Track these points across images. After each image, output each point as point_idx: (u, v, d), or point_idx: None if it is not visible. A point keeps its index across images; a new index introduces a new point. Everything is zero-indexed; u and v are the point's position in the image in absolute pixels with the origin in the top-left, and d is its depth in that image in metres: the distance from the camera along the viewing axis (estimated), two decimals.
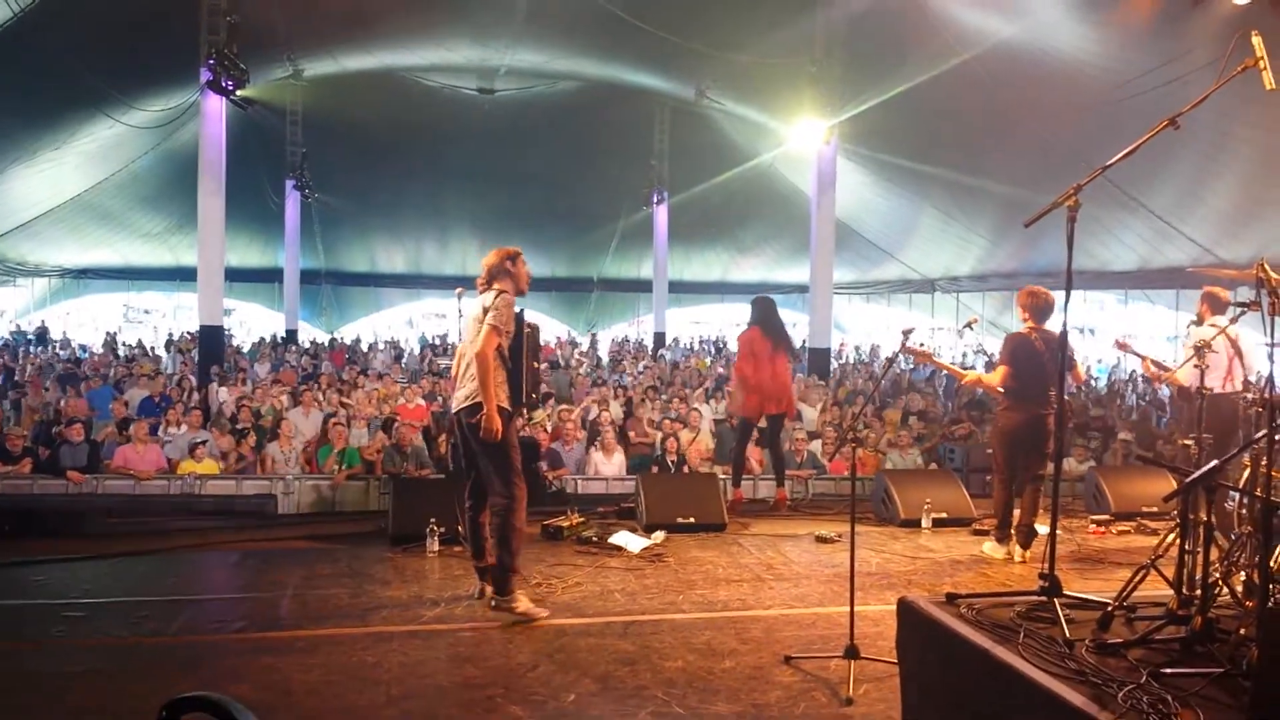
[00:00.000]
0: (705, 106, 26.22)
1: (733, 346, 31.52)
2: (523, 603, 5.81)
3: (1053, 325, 7.56)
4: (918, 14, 16.42)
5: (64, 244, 30.85)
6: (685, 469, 11.30)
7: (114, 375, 18.68)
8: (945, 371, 9.20)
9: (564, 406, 13.86)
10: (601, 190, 30.97)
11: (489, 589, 6.01)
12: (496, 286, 5.99)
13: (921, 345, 6.85)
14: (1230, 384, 7.70)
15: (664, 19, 18.82)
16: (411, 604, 6.01)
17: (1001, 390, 7.62)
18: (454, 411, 6.13)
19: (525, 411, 6.36)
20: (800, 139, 20.74)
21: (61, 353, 25.16)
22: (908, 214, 27.67)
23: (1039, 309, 7.63)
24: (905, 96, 18.24)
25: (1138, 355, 8.43)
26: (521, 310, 6.10)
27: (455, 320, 6.62)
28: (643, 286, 35.06)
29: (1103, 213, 18.52)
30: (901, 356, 7.17)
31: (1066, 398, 7.76)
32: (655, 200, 30.59)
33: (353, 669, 4.93)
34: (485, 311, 5.88)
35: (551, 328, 37.55)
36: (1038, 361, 7.39)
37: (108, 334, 30.44)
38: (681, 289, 36.35)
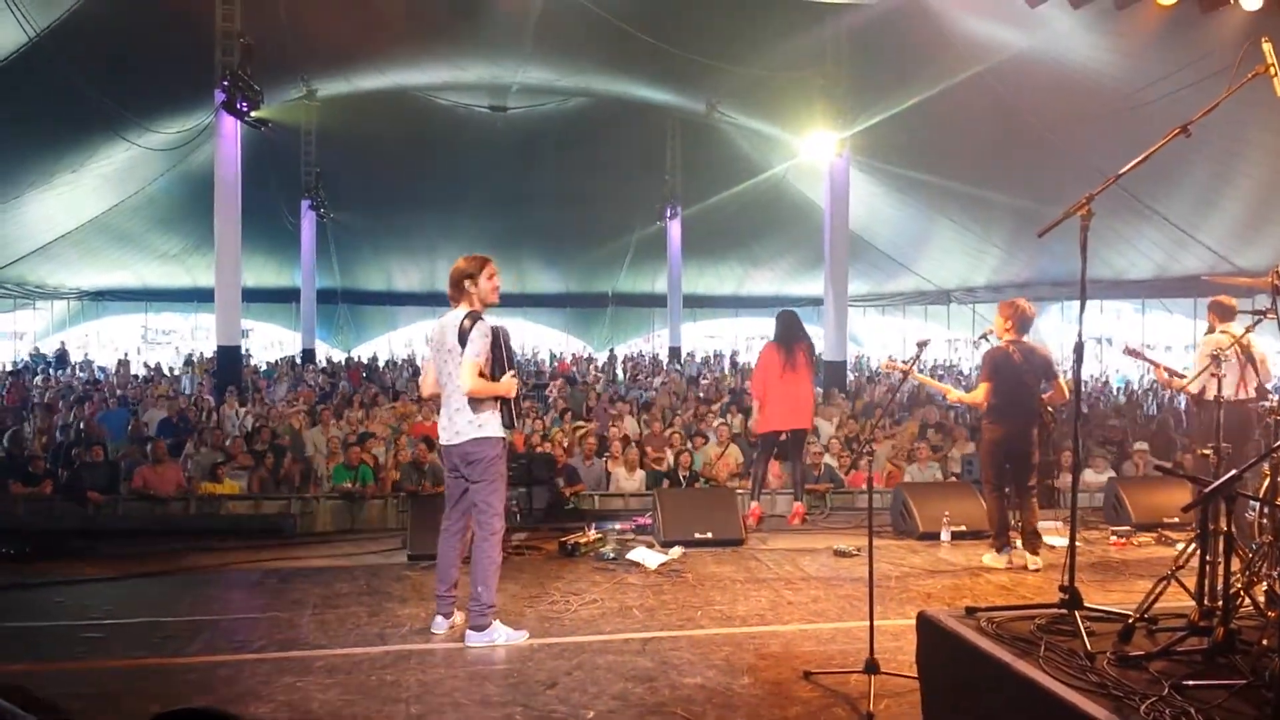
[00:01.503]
0: (716, 120, 26.30)
1: (744, 359, 31.66)
2: (502, 633, 5.66)
3: (1052, 335, 7.69)
4: (929, 27, 16.44)
5: (81, 267, 31.11)
6: (696, 484, 11.30)
7: (131, 396, 18.80)
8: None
9: (580, 424, 13.87)
10: (614, 205, 31.06)
11: (445, 621, 5.85)
12: (463, 305, 5.75)
13: (905, 362, 6.99)
14: (1244, 391, 7.66)
15: (673, 34, 18.89)
16: (430, 622, 6.01)
17: (985, 406, 7.70)
18: (444, 444, 5.86)
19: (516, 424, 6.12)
20: (812, 151, 20.76)
21: (81, 374, 25.33)
22: (922, 225, 27.66)
23: (1024, 320, 7.75)
24: (917, 108, 18.25)
25: (1149, 362, 8.40)
26: (490, 327, 5.76)
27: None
28: (657, 301, 35.12)
29: (1118, 221, 18.48)
30: (915, 369, 7.14)
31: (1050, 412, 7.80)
32: (668, 214, 30.66)
33: (372, 688, 4.93)
34: (460, 339, 5.63)
35: (567, 344, 37.67)
36: (1017, 374, 7.55)
37: (123, 356, 30.63)
38: (696, 303, 36.40)
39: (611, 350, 32.68)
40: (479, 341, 5.62)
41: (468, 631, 5.68)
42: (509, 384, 5.78)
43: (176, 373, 26.29)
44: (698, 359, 31.79)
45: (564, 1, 18.06)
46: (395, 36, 20.79)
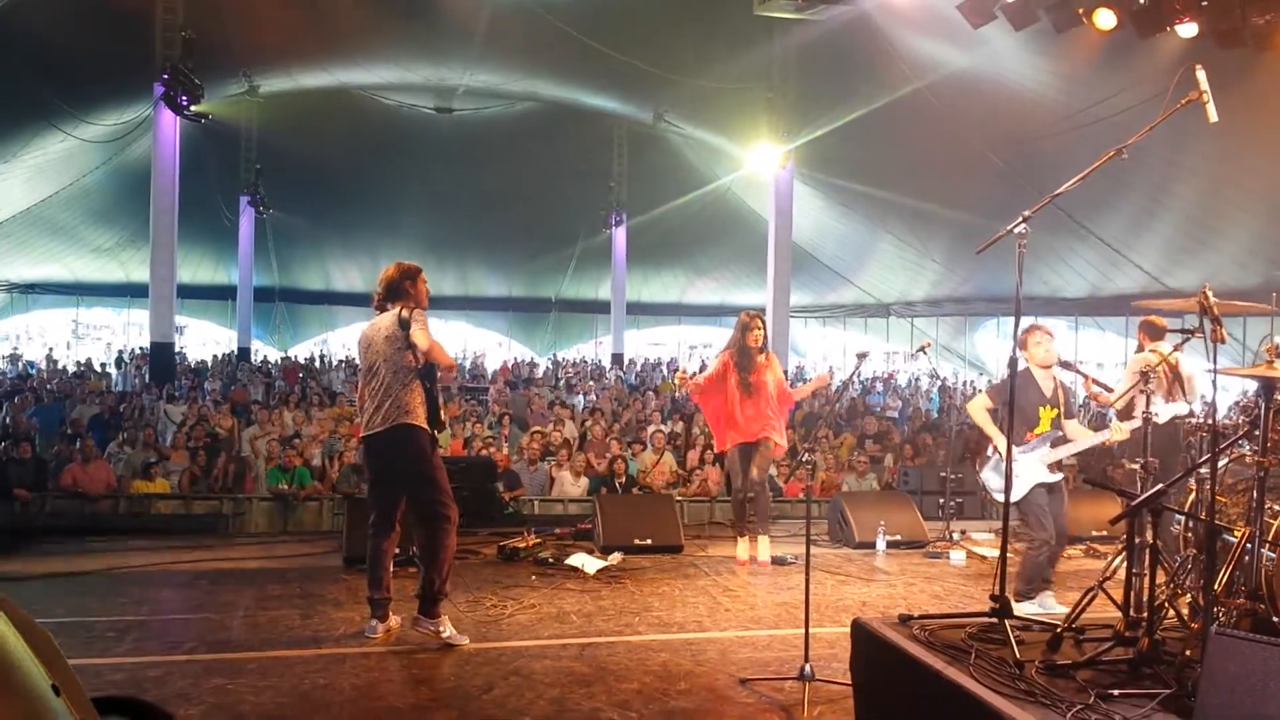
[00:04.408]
0: (663, 130, 26.41)
1: (685, 366, 31.70)
2: (449, 628, 5.67)
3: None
4: (872, 43, 16.66)
5: (11, 259, 30.39)
6: (634, 491, 11.31)
7: (62, 392, 18.41)
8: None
9: (537, 429, 13.85)
10: (560, 211, 31.04)
11: (381, 625, 5.80)
12: (399, 305, 5.81)
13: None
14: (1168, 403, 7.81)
15: (622, 43, 18.95)
16: (364, 626, 5.95)
17: None
18: (371, 434, 5.82)
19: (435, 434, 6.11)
20: (757, 163, 20.93)
21: (8, 369, 24.73)
22: (864, 239, 28.00)
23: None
24: (861, 123, 18.49)
25: (1080, 374, 8.56)
26: None
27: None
28: (601, 308, 35.11)
29: (1054, 240, 18.84)
30: (855, 379, 7.22)
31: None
32: (614, 222, 30.71)
33: (305, 691, 4.87)
34: (401, 326, 5.70)
35: (509, 349, 37.52)
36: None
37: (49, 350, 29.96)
38: (639, 310, 36.44)
39: (554, 355, 32.63)
40: (424, 320, 5.74)
41: (417, 616, 5.67)
42: (451, 358, 5.93)
43: (108, 369, 25.77)
44: (639, 366, 31.83)
45: (515, 7, 18.03)
46: (340, 34, 20.61)
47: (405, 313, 5.73)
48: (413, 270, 5.94)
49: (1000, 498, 6.97)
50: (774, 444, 8.00)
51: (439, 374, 5.94)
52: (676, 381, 8.67)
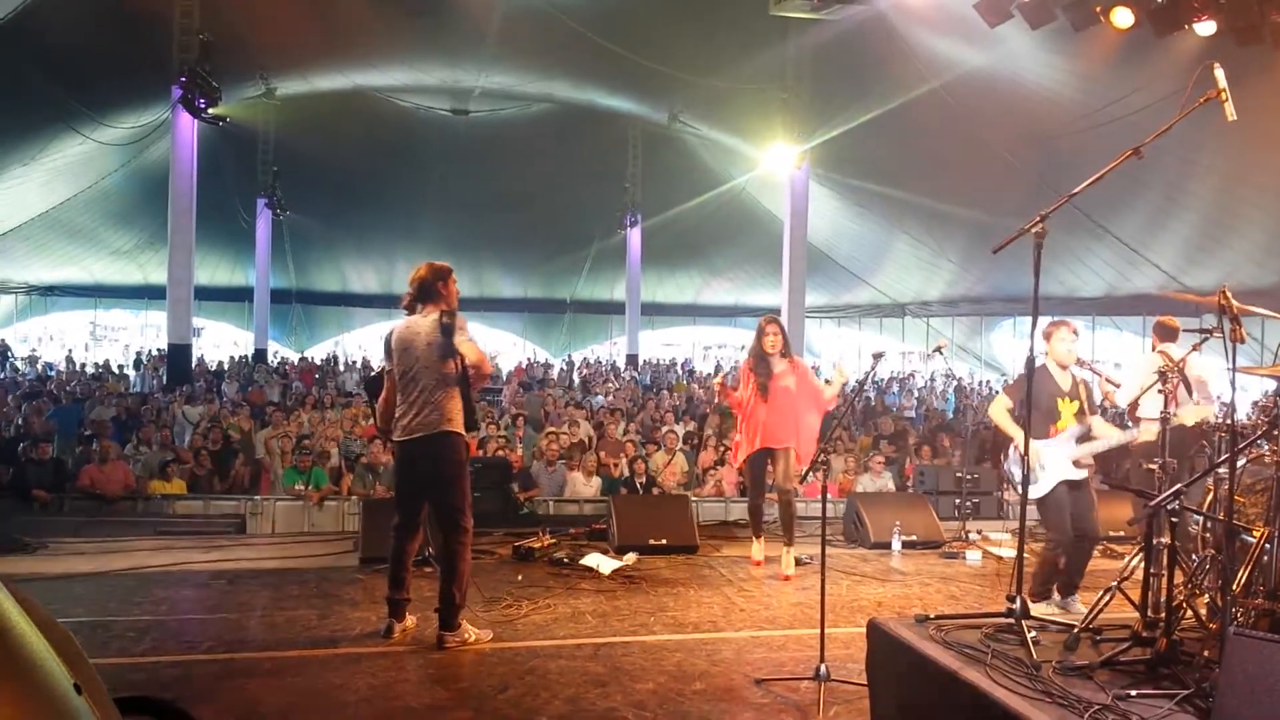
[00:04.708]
0: (678, 130, 26.41)
1: (700, 366, 31.73)
2: (472, 632, 5.70)
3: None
4: (888, 43, 16.63)
5: (31, 261, 30.60)
6: (655, 491, 11.30)
7: (81, 393, 18.52)
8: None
9: (551, 430, 13.86)
10: (575, 212, 31.08)
11: (398, 624, 5.83)
12: (431, 307, 5.77)
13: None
14: (1174, 408, 7.74)
15: (637, 43, 18.96)
16: (381, 625, 5.97)
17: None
18: (409, 439, 5.75)
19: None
20: (772, 164, 20.92)
21: (27, 370, 24.89)
22: (879, 239, 27.93)
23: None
24: (876, 123, 18.45)
25: (1095, 372, 8.52)
26: None
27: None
28: (616, 309, 35.14)
29: (1071, 240, 18.75)
30: (870, 380, 7.18)
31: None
32: (628, 222, 30.73)
33: (321, 691, 4.89)
34: (443, 333, 5.63)
35: (524, 350, 37.58)
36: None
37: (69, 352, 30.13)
38: (654, 311, 36.46)
39: (569, 356, 32.65)
40: (466, 327, 5.74)
41: (442, 633, 5.65)
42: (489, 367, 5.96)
43: (126, 370, 25.93)
44: (653, 366, 31.85)
45: (528, 8, 18.05)
46: (355, 37, 20.68)
47: (446, 319, 5.66)
48: (444, 270, 5.89)
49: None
50: (796, 454, 7.72)
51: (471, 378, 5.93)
52: (715, 388, 8.68)
